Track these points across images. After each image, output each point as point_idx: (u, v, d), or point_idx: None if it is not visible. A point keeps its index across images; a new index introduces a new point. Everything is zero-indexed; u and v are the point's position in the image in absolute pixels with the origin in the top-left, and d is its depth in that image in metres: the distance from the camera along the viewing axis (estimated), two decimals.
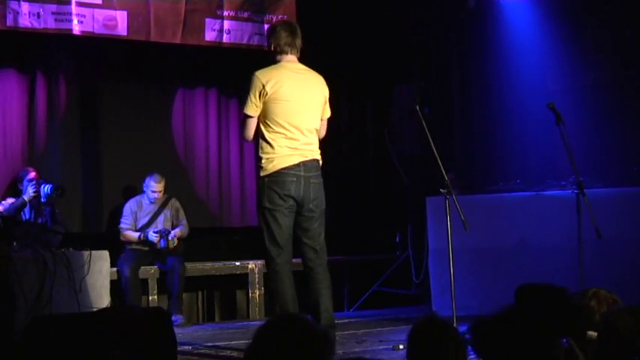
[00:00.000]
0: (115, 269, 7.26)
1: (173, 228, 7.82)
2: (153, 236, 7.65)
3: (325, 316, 5.32)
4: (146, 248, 7.73)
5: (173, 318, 7.45)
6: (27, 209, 7.14)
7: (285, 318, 2.69)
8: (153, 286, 7.68)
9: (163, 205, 7.89)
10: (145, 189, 7.81)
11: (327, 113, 5.57)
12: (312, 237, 5.40)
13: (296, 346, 2.51)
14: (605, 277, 6.39)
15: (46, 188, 7.08)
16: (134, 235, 7.72)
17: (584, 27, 8.31)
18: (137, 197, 7.87)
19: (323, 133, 5.56)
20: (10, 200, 7.18)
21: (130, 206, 7.82)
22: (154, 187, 7.75)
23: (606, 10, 8.20)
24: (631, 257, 6.96)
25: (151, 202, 7.82)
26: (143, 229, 7.75)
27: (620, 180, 7.39)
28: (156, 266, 7.71)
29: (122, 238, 7.75)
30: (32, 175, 7.21)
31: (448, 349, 2.80)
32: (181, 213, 7.94)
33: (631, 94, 8.09)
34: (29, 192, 7.07)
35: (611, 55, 8.22)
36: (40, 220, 7.17)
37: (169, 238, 7.66)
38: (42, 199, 7.12)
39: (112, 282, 7.44)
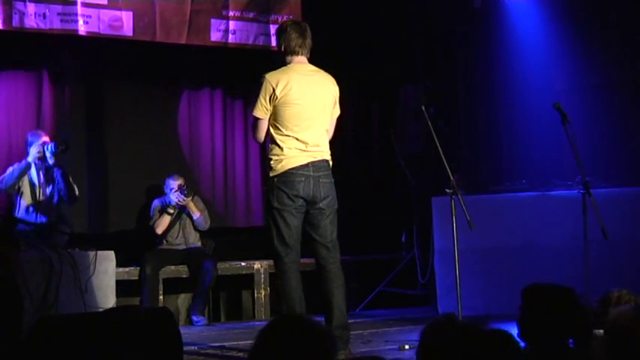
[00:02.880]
0: (120, 269, 7.26)
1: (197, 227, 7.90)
2: (173, 197, 7.67)
3: (338, 315, 5.28)
4: (173, 248, 7.79)
5: (196, 319, 7.52)
6: (37, 174, 7.01)
7: (288, 318, 2.68)
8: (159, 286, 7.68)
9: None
10: (166, 191, 7.81)
11: (337, 112, 5.56)
12: (323, 234, 5.37)
13: (299, 346, 2.51)
14: (611, 277, 6.39)
15: (49, 147, 6.94)
16: (165, 217, 7.71)
17: (591, 27, 8.30)
18: (161, 198, 7.88)
19: (332, 132, 5.56)
20: (13, 167, 7.04)
21: (157, 202, 7.85)
22: (174, 184, 7.75)
23: (613, 9, 8.19)
24: (637, 257, 6.96)
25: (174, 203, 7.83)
26: (169, 227, 7.78)
27: (627, 180, 7.40)
28: (186, 267, 7.76)
29: (158, 231, 7.72)
30: (44, 139, 7.03)
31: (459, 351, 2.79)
32: (205, 209, 7.97)
33: (637, 94, 8.08)
34: (33, 153, 6.94)
35: (618, 55, 8.22)
36: (50, 187, 7.02)
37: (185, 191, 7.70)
38: (49, 162, 6.97)
39: (135, 281, 7.52)
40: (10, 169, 7.06)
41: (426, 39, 9.12)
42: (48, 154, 6.96)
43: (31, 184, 7.03)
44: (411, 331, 6.44)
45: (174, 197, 7.67)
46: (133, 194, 8.18)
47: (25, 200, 7.00)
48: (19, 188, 7.01)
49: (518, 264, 7.13)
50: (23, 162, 7.01)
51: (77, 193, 7.15)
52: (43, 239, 6.58)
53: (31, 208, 7.01)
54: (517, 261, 7.16)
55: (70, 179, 7.13)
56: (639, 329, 2.93)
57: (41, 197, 6.99)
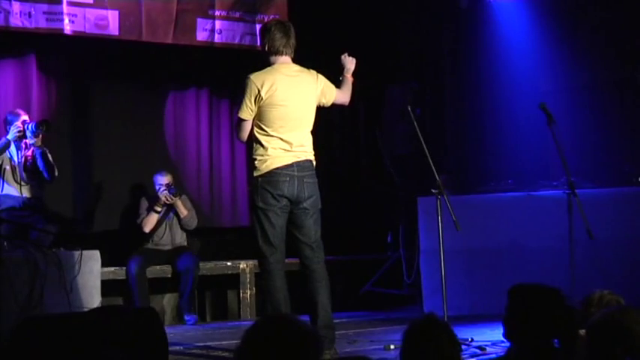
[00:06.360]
0: (106, 269, 7.23)
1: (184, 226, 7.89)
2: (161, 195, 7.67)
3: (323, 315, 5.30)
4: (160, 248, 7.78)
5: (187, 317, 7.54)
6: (17, 153, 6.90)
7: (274, 318, 2.68)
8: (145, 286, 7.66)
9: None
10: (155, 188, 7.79)
11: (332, 91, 5.57)
12: (307, 234, 5.38)
13: (285, 346, 2.51)
14: (596, 278, 6.42)
15: (29, 126, 6.78)
16: (152, 215, 7.71)
17: (576, 27, 8.33)
18: (150, 197, 7.87)
19: (347, 99, 5.73)
20: None
21: (144, 200, 7.84)
22: (162, 180, 7.74)
23: (599, 10, 8.21)
24: (622, 257, 6.98)
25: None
26: (157, 227, 7.78)
27: (611, 180, 7.42)
28: (170, 266, 7.75)
29: (145, 229, 7.71)
30: (23, 118, 6.88)
31: (443, 349, 2.80)
32: (192, 208, 7.97)
33: (622, 95, 8.12)
34: (12, 131, 6.78)
35: (604, 55, 8.24)
36: (29, 163, 6.91)
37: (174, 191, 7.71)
38: (29, 140, 6.81)
39: (120, 281, 7.49)
40: None
41: (413, 39, 9.14)
42: (29, 134, 6.81)
43: (12, 164, 6.96)
44: (396, 331, 6.39)
45: (163, 195, 7.67)
46: (118, 194, 8.16)
47: (8, 180, 6.94)
48: (1, 167, 6.93)
49: (503, 264, 7.14)
50: (2, 139, 6.86)
51: (57, 173, 7.02)
52: (27, 239, 6.54)
53: (13, 188, 6.94)
54: (503, 261, 7.18)
55: (50, 158, 6.96)
56: (618, 330, 2.94)
57: (22, 176, 6.92)
